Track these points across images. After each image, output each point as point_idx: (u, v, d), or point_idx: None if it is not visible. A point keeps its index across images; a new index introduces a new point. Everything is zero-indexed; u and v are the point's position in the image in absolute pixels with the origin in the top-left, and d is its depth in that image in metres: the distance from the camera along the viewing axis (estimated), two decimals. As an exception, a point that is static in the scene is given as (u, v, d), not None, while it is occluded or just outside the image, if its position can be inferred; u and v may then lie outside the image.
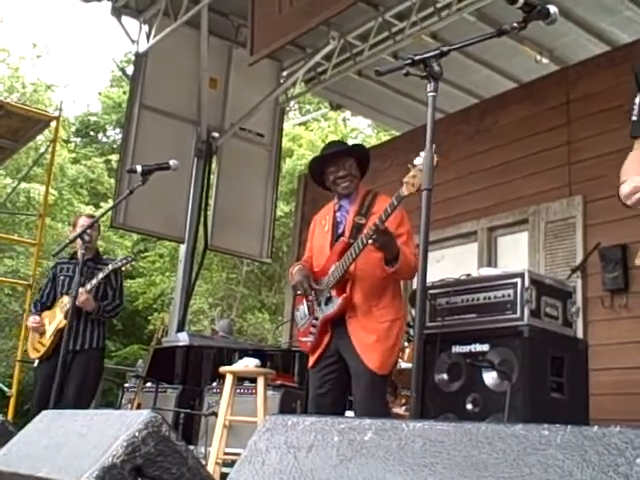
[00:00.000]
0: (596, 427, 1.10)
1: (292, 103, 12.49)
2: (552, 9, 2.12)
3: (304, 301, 3.87)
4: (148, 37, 8.09)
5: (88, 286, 4.68)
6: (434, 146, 2.91)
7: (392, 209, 3.36)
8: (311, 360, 3.79)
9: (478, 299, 3.92)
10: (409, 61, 2.08)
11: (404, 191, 3.26)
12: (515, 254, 6.30)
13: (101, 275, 4.69)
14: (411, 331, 4.11)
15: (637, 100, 2.11)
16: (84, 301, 4.67)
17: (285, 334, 8.19)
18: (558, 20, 2.17)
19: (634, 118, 2.15)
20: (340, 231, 3.79)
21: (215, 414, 4.82)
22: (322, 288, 3.72)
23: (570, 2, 6.66)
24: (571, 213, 5.81)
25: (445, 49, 2.10)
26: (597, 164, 5.45)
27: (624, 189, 2.01)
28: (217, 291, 17.61)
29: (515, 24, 2.11)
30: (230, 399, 4.52)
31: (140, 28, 8.28)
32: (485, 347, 3.74)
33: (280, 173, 9.86)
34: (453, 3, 6.57)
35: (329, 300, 3.69)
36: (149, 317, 17.28)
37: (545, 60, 7.38)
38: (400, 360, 4.22)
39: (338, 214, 3.87)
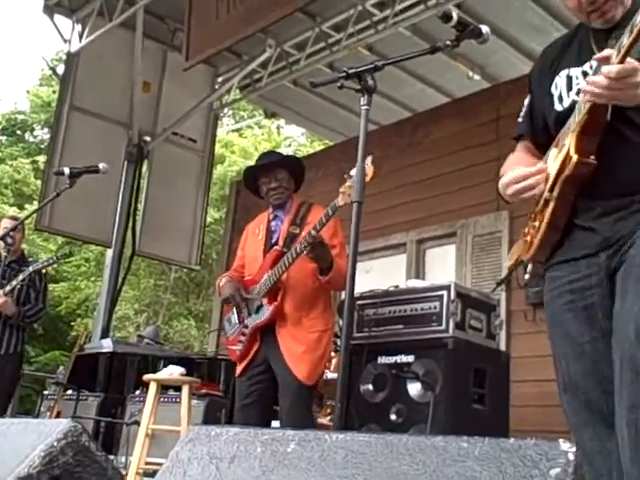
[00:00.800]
0: (512, 439, 1.13)
1: (226, 109, 12.42)
2: (484, 29, 2.17)
3: (234, 309, 3.85)
4: (81, 37, 7.93)
5: (8, 287, 4.54)
6: (371, 158, 2.96)
7: (327, 219, 3.39)
8: (239, 369, 3.77)
9: (405, 310, 3.97)
10: (344, 74, 2.10)
11: (339, 201, 3.29)
12: (443, 266, 6.40)
13: (21, 277, 4.57)
14: (338, 341, 4.13)
15: (526, 102, 2.16)
16: (2, 304, 4.53)
17: (212, 342, 8.12)
18: (490, 39, 2.22)
19: (519, 120, 2.17)
20: (274, 240, 3.80)
21: (137, 423, 4.73)
22: (253, 297, 3.72)
23: (502, 22, 6.83)
24: (498, 228, 5.95)
25: (379, 64, 2.12)
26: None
27: (503, 180, 1.98)
28: (144, 297, 17.35)
29: (448, 42, 2.15)
30: (153, 408, 4.44)
31: (73, 27, 8.11)
32: (410, 358, 3.79)
33: (212, 179, 9.78)
34: (389, 17, 6.66)
35: (260, 308, 3.68)
36: (72, 323, 16.88)
37: (477, 77, 7.55)
38: (327, 370, 4.23)
39: (273, 223, 3.88)
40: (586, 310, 1.88)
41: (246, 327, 3.74)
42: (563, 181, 1.85)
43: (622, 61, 1.65)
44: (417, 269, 6.59)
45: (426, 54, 2.14)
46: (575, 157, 1.80)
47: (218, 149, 12.94)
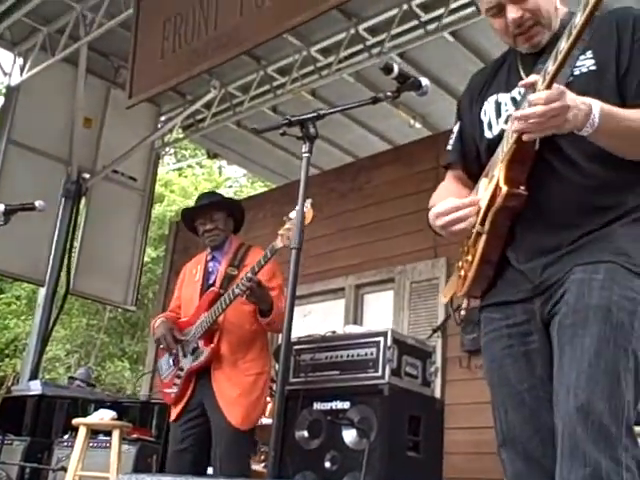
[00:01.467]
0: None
1: (168, 148, 12.35)
2: (424, 82, 2.21)
3: (169, 351, 3.79)
4: (22, 70, 7.81)
5: None
6: (310, 201, 2.97)
7: (265, 261, 3.39)
8: (173, 413, 3.69)
9: (342, 356, 3.97)
10: (286, 121, 2.11)
11: (278, 243, 3.30)
12: (381, 312, 6.43)
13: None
14: (274, 386, 4.09)
15: (455, 129, 2.16)
16: None
17: (146, 385, 7.94)
18: (431, 89, 2.26)
19: (449, 147, 2.15)
20: (211, 281, 3.78)
21: (64, 469, 4.58)
22: (189, 339, 3.67)
23: (443, 72, 7.00)
24: (435, 274, 6.01)
25: (322, 112, 2.14)
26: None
27: (433, 210, 1.92)
28: (76, 337, 16.90)
29: (389, 93, 2.18)
30: (82, 453, 4.31)
31: (14, 60, 7.99)
32: (346, 405, 3.77)
33: (151, 218, 9.67)
34: (333, 63, 6.76)
35: (195, 350, 3.63)
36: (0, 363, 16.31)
37: (418, 125, 7.69)
38: (262, 415, 4.17)
39: (210, 264, 3.86)
40: (525, 356, 1.85)
41: (181, 370, 3.68)
42: (494, 213, 1.81)
43: (548, 87, 1.64)
44: (355, 314, 6.59)
45: (367, 104, 2.17)
46: (505, 188, 1.77)
47: (158, 188, 12.81)
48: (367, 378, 3.80)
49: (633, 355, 1.69)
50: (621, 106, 1.75)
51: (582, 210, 1.80)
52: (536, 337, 1.85)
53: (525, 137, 1.70)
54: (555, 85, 1.64)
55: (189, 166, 18.78)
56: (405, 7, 6.15)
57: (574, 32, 1.59)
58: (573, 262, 1.77)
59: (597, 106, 1.66)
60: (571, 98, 1.63)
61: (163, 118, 8.71)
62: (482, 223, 1.84)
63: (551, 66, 1.65)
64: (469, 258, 1.93)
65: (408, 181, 6.41)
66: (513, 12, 1.86)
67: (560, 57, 1.62)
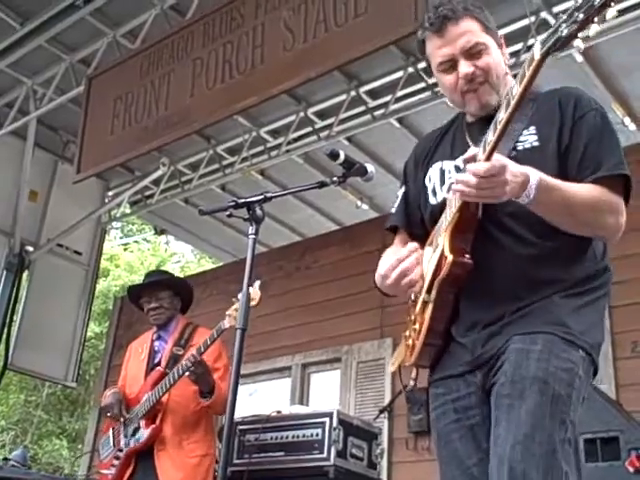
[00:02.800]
0: None
1: (115, 223, 12.27)
2: (369, 168, 2.27)
3: (110, 430, 3.71)
4: (-32, 142, 7.75)
5: None
6: (258, 282, 2.99)
7: (212, 341, 3.38)
8: (112, 497, 3.58)
9: (287, 437, 3.92)
10: (233, 203, 2.14)
11: (225, 324, 3.30)
12: (327, 392, 6.38)
13: None
14: (217, 467, 4.00)
15: (399, 193, 2.18)
16: None
17: (84, 465, 7.68)
18: (378, 172, 2.32)
19: (392, 210, 2.18)
20: (156, 360, 3.75)
21: None
22: (131, 417, 3.60)
23: (389, 156, 7.17)
24: (381, 354, 6.03)
25: (269, 195, 2.18)
26: (406, 309, 5.74)
27: (379, 272, 1.92)
28: (12, 414, 16.27)
29: (335, 178, 2.24)
30: (13, 539, 4.11)
31: (-40, 132, 7.93)
32: (291, 487, 3.71)
33: (95, 293, 9.51)
34: (282, 144, 6.88)
35: (136, 431, 3.56)
36: None
37: (365, 206, 7.81)
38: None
39: (156, 343, 3.84)
40: (471, 430, 1.85)
41: (120, 450, 3.59)
42: (440, 282, 1.82)
43: (488, 158, 1.66)
44: (301, 393, 6.53)
45: (314, 188, 2.22)
46: (450, 257, 1.78)
47: (103, 262, 12.65)
48: (312, 460, 3.75)
49: (571, 425, 1.70)
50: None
51: (523, 282, 1.83)
52: (478, 411, 1.85)
53: (463, 198, 1.74)
54: (498, 158, 1.67)
55: (135, 241, 18.63)
56: (353, 93, 6.34)
57: (512, 103, 1.64)
58: (512, 332, 1.79)
59: (535, 177, 1.70)
60: (511, 171, 1.67)
61: (111, 193, 8.68)
62: (428, 292, 1.86)
63: (491, 136, 1.69)
64: (416, 327, 1.93)
65: (355, 261, 6.48)
66: (465, 67, 1.91)
67: (499, 127, 1.66)
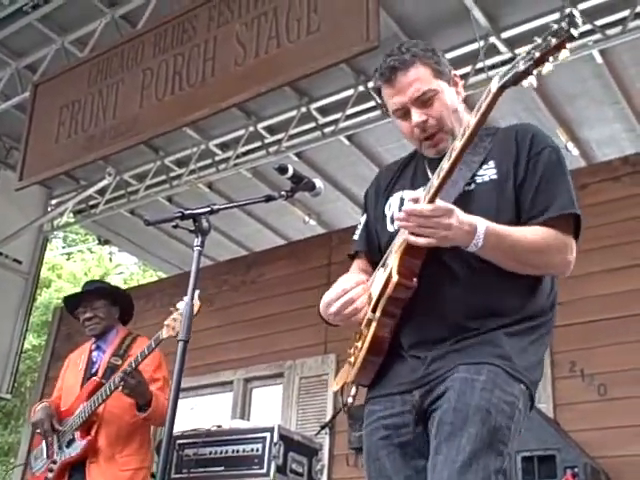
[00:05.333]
0: None
1: (57, 232, 12.04)
2: (318, 183, 2.28)
3: (43, 442, 3.63)
4: None
5: None
6: (198, 292, 2.96)
7: (149, 351, 3.33)
8: (44, 510, 3.49)
9: (227, 452, 3.90)
10: (179, 214, 2.12)
11: (164, 334, 3.26)
12: (269, 407, 6.36)
13: None
14: (155, 482, 3.94)
15: (362, 220, 2.20)
16: None
17: (16, 479, 7.48)
18: (327, 188, 2.32)
19: (355, 237, 2.20)
20: (94, 370, 3.68)
21: None
22: (66, 429, 3.52)
23: (338, 173, 7.22)
24: (324, 370, 6.03)
25: (215, 208, 2.17)
26: (351, 326, 5.74)
27: (323, 300, 1.95)
28: (-57, 427, 15.78)
29: (283, 192, 2.24)
30: None
31: None
32: (230, 503, 3.67)
33: (34, 304, 9.31)
34: (231, 158, 6.86)
35: (71, 442, 3.49)
36: None
37: (313, 222, 7.83)
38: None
39: (94, 353, 3.78)
40: (401, 447, 1.87)
41: (54, 462, 3.52)
42: (385, 301, 1.84)
43: (432, 200, 1.72)
44: (243, 408, 6.50)
45: (261, 202, 2.22)
46: (396, 278, 1.81)
47: (44, 272, 12.40)
48: (252, 475, 3.74)
49: (507, 456, 1.74)
50: (518, 215, 1.87)
51: (471, 310, 1.86)
52: (409, 429, 1.87)
53: (410, 239, 1.77)
54: (442, 203, 1.73)
55: (79, 251, 18.31)
56: (303, 109, 6.37)
57: (467, 132, 1.70)
58: (458, 360, 1.82)
59: (482, 226, 1.76)
60: (457, 217, 1.72)
61: (54, 202, 8.52)
62: (374, 310, 1.88)
63: (435, 181, 1.75)
64: (359, 344, 1.95)
65: (300, 277, 6.49)
66: (417, 116, 1.95)
67: (453, 155, 1.73)
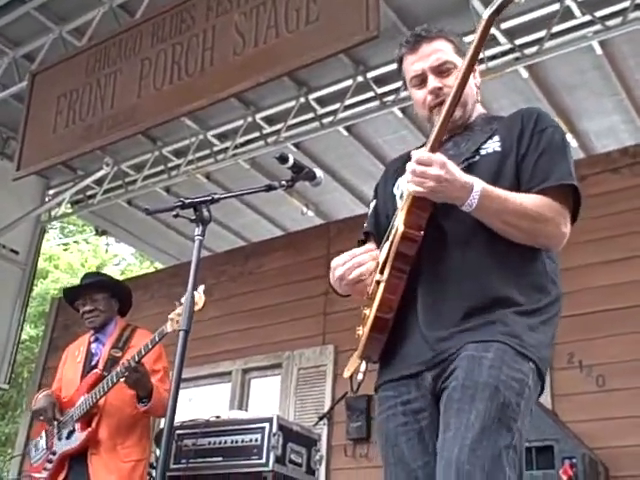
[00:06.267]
0: None
1: (55, 222, 12.02)
2: (318, 173, 2.27)
3: (43, 433, 3.63)
4: None
5: None
6: (203, 287, 2.96)
7: (153, 344, 3.33)
8: (42, 501, 3.49)
9: (226, 442, 3.90)
10: (180, 203, 2.11)
11: (168, 328, 3.26)
12: (267, 398, 6.36)
13: None
14: (154, 472, 3.95)
15: (371, 205, 2.25)
16: None
17: (15, 469, 7.49)
18: (325, 179, 2.32)
19: (365, 225, 2.24)
20: (93, 363, 3.69)
21: None
22: (66, 421, 3.52)
23: (336, 164, 7.21)
24: (323, 361, 6.03)
25: (216, 196, 2.16)
26: (349, 317, 5.71)
27: (332, 265, 1.98)
28: (-59, 417, 15.79)
29: (284, 182, 2.23)
30: None
31: None
32: (229, 493, 3.68)
33: (31, 294, 9.29)
34: (229, 149, 6.84)
35: (71, 434, 3.49)
36: None
37: (311, 213, 7.82)
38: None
39: (93, 346, 3.78)
40: (419, 434, 1.87)
41: (54, 454, 3.51)
42: (393, 257, 1.85)
43: (432, 150, 1.83)
44: (241, 399, 6.50)
45: (262, 191, 2.21)
46: (402, 228, 1.83)
47: (41, 262, 12.38)
48: (251, 465, 3.74)
49: (518, 433, 1.74)
50: (517, 186, 1.91)
51: (479, 290, 1.87)
52: (427, 413, 1.88)
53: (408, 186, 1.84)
54: (436, 155, 1.80)
55: (75, 242, 18.28)
56: (302, 100, 6.35)
57: (468, 53, 1.85)
58: (466, 339, 1.82)
59: (479, 186, 1.80)
60: (449, 170, 1.78)
61: (51, 192, 8.49)
62: (381, 272, 1.89)
63: (435, 127, 1.87)
64: (367, 312, 1.94)
65: (299, 268, 6.48)
66: (433, 81, 2.04)
67: (444, 111, 1.85)
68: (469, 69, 1.86)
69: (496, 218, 1.84)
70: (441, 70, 2.05)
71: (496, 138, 1.99)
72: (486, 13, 1.83)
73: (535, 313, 1.88)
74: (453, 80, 1.96)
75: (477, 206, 1.79)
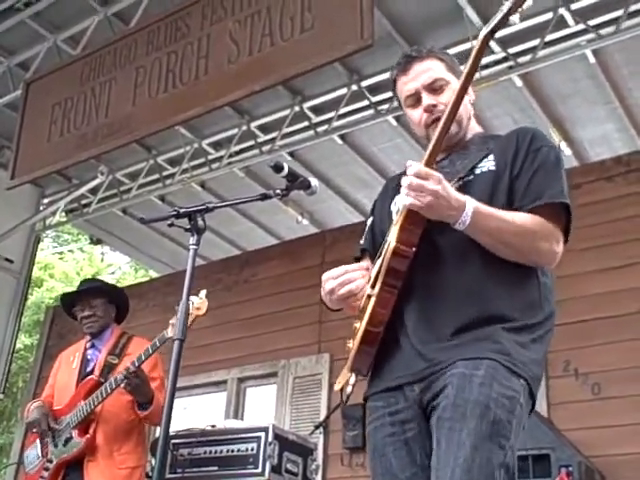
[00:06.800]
0: None
1: (49, 231, 11.99)
2: (313, 182, 2.27)
3: (37, 441, 3.61)
4: None
5: None
6: (204, 292, 2.96)
7: (154, 349, 3.33)
8: (38, 509, 3.48)
9: (221, 451, 3.89)
10: (174, 213, 2.12)
11: (169, 333, 3.25)
12: (263, 406, 6.35)
13: None
14: (149, 482, 3.93)
15: (368, 222, 2.25)
16: None
17: (9, 478, 7.44)
18: (320, 187, 2.32)
19: (361, 241, 2.24)
20: (89, 369, 3.67)
21: None
22: (62, 428, 3.50)
23: (331, 173, 7.22)
24: (318, 370, 6.02)
25: (210, 206, 2.16)
26: (345, 325, 5.70)
27: (323, 278, 1.99)
28: None
29: (278, 191, 2.23)
30: None
31: None
32: (224, 503, 3.66)
33: (26, 303, 9.25)
34: (224, 157, 6.84)
35: (68, 441, 3.47)
36: None
37: (306, 221, 7.82)
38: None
39: (89, 352, 3.77)
40: (406, 444, 1.87)
41: (50, 461, 3.50)
42: (384, 272, 1.86)
43: (427, 164, 1.82)
44: (237, 408, 6.48)
45: (257, 200, 2.21)
46: (394, 244, 1.84)
47: (37, 272, 12.34)
48: (247, 474, 3.73)
49: (510, 450, 1.74)
50: (510, 205, 1.91)
51: (470, 307, 1.87)
52: (414, 424, 1.88)
53: (403, 199, 1.83)
54: (432, 170, 1.80)
55: (69, 251, 18.25)
56: (296, 108, 6.36)
57: (465, 71, 1.87)
58: (457, 356, 1.82)
59: (471, 205, 1.81)
60: (445, 187, 1.78)
61: (46, 200, 8.48)
62: (373, 286, 1.90)
63: (433, 141, 1.87)
64: (357, 325, 1.94)
65: (294, 276, 6.48)
66: (427, 99, 2.05)
67: (440, 126, 1.86)
68: (465, 86, 1.87)
69: (488, 236, 1.85)
70: (434, 88, 2.07)
71: (491, 157, 2.00)
72: (482, 33, 1.85)
73: (527, 330, 1.89)
74: (446, 97, 2.01)
75: (470, 224, 1.80)
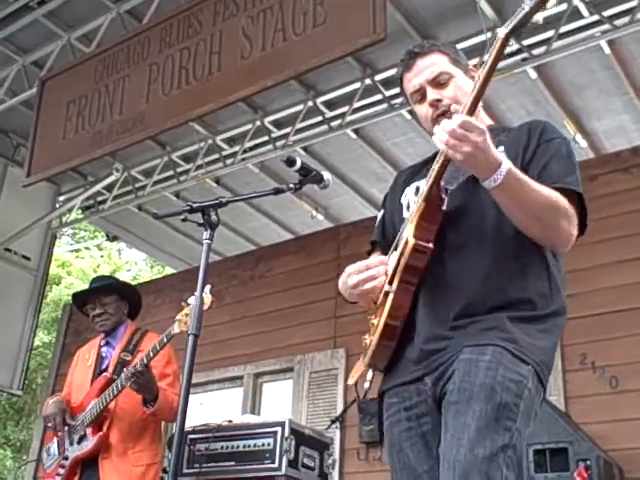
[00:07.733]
0: None
1: (66, 228, 12.06)
2: (326, 176, 2.28)
3: (55, 438, 3.63)
4: None
5: None
6: (209, 287, 2.96)
7: (161, 346, 3.33)
8: (57, 506, 3.50)
9: (238, 447, 3.89)
10: (188, 208, 2.12)
11: (175, 329, 3.25)
12: (279, 402, 6.36)
13: None
14: (166, 477, 3.95)
15: (379, 215, 2.26)
16: None
17: (29, 475, 7.51)
18: (334, 182, 2.32)
19: (373, 234, 2.25)
20: (104, 366, 3.68)
21: None
22: (77, 425, 3.52)
23: (345, 167, 7.21)
24: (334, 365, 6.02)
25: (224, 200, 2.17)
26: (360, 320, 5.70)
27: (343, 276, 2.00)
28: (-46, 424, 15.87)
29: (292, 185, 2.24)
30: None
31: None
32: (241, 497, 3.67)
33: (44, 300, 9.32)
34: (238, 153, 6.85)
35: (83, 438, 3.49)
36: None
37: (320, 216, 7.83)
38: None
39: (103, 349, 3.78)
40: (423, 438, 1.89)
41: (66, 459, 3.52)
42: (402, 269, 1.87)
43: (469, 114, 1.77)
44: (253, 403, 6.49)
45: (270, 195, 2.21)
46: (412, 241, 1.84)
47: (54, 268, 12.42)
48: (263, 469, 3.73)
49: (517, 432, 1.74)
50: None
51: (479, 297, 1.87)
52: (429, 418, 1.89)
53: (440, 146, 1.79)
54: (481, 125, 1.75)
55: (86, 248, 18.35)
56: (310, 103, 6.35)
57: (489, 60, 1.78)
58: (463, 343, 1.83)
59: (507, 165, 1.77)
60: (486, 141, 1.74)
61: (62, 198, 8.53)
62: (390, 283, 1.90)
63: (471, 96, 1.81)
64: (375, 322, 1.95)
65: (309, 271, 6.47)
66: (431, 94, 2.05)
67: (477, 86, 1.79)
68: (484, 84, 1.81)
69: (514, 200, 1.81)
70: (438, 82, 2.06)
71: (501, 149, 1.96)
72: (502, 32, 1.78)
73: (536, 321, 1.88)
74: (451, 91, 2.01)
75: (500, 183, 1.76)
